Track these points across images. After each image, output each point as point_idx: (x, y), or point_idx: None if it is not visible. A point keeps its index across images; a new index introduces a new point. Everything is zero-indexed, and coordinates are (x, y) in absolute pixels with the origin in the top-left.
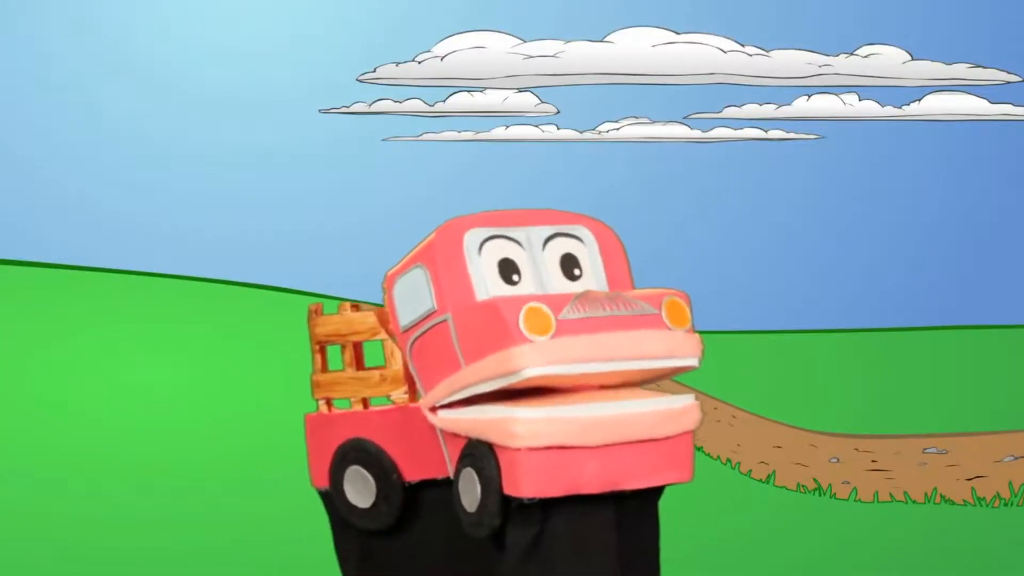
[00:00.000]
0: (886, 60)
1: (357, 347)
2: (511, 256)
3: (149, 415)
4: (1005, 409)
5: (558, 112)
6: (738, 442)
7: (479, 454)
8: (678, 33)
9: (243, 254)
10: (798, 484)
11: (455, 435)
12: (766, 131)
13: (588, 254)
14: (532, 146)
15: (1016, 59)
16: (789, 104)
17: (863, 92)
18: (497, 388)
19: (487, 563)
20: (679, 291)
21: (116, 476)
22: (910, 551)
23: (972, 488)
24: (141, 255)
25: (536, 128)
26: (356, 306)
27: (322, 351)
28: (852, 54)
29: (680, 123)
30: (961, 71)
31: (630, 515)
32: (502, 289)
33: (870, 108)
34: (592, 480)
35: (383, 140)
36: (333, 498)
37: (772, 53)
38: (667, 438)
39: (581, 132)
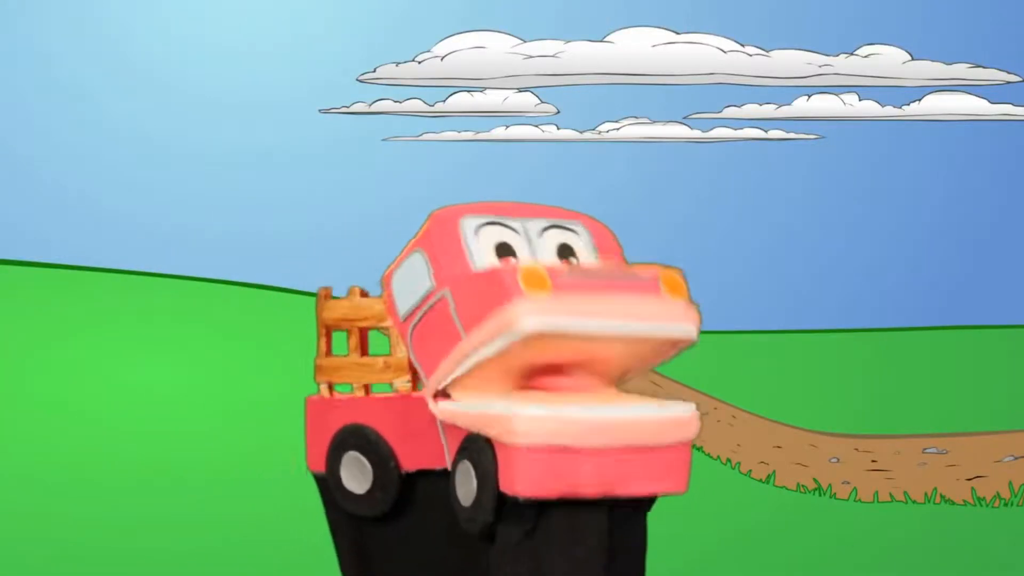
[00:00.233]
0: (886, 60)
1: (363, 333)
2: (508, 241)
3: (149, 415)
4: (1005, 409)
5: (558, 112)
6: (738, 442)
7: (477, 448)
8: (678, 33)
9: (243, 254)
10: (798, 484)
11: (455, 427)
12: (766, 131)
13: (584, 246)
14: (532, 146)
15: (1016, 59)
16: (789, 104)
17: (863, 92)
18: (498, 350)
19: (479, 556)
20: (675, 267)
21: (116, 476)
22: (910, 551)
23: (972, 488)
24: (141, 255)
25: (536, 128)
26: (365, 293)
27: (328, 335)
28: (852, 54)
29: (680, 123)
30: (961, 71)
31: (621, 522)
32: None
33: (870, 108)
34: (588, 484)
35: (383, 140)
36: (328, 483)
37: (772, 53)
38: (665, 447)
39: (581, 132)
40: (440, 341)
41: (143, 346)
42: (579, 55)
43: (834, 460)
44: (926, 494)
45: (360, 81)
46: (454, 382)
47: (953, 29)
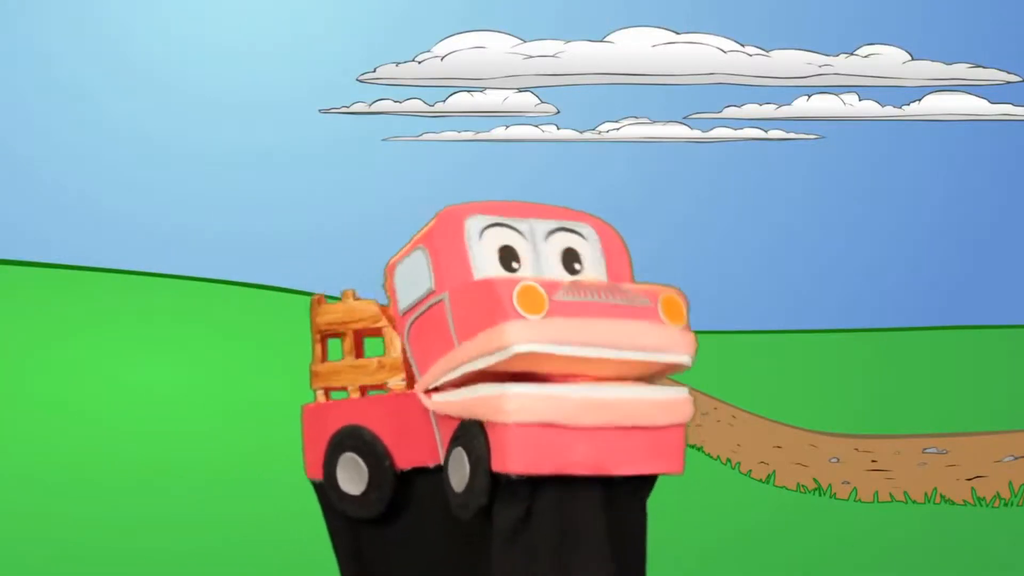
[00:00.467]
0: (886, 60)
1: (358, 337)
2: (512, 244)
3: (149, 415)
4: (1005, 409)
5: (558, 112)
6: (738, 442)
7: (470, 434)
8: (678, 33)
9: (243, 254)
10: (798, 484)
11: (448, 419)
12: (766, 131)
13: (590, 250)
14: (532, 146)
15: (1016, 59)
16: (789, 104)
17: (863, 92)
18: (488, 365)
19: (476, 554)
20: (676, 289)
21: (116, 476)
22: (910, 551)
23: (972, 488)
24: (141, 255)
25: (536, 128)
26: (358, 297)
27: (323, 341)
28: (852, 54)
29: (680, 123)
30: (961, 71)
31: (618, 502)
32: (500, 274)
33: (870, 108)
34: (581, 462)
35: (383, 140)
36: (326, 489)
37: (772, 53)
38: (658, 427)
39: (581, 132)
40: (435, 343)
41: (143, 346)
42: (579, 55)
43: (834, 460)
44: (926, 494)
45: (360, 81)
46: (445, 384)
47: (953, 29)
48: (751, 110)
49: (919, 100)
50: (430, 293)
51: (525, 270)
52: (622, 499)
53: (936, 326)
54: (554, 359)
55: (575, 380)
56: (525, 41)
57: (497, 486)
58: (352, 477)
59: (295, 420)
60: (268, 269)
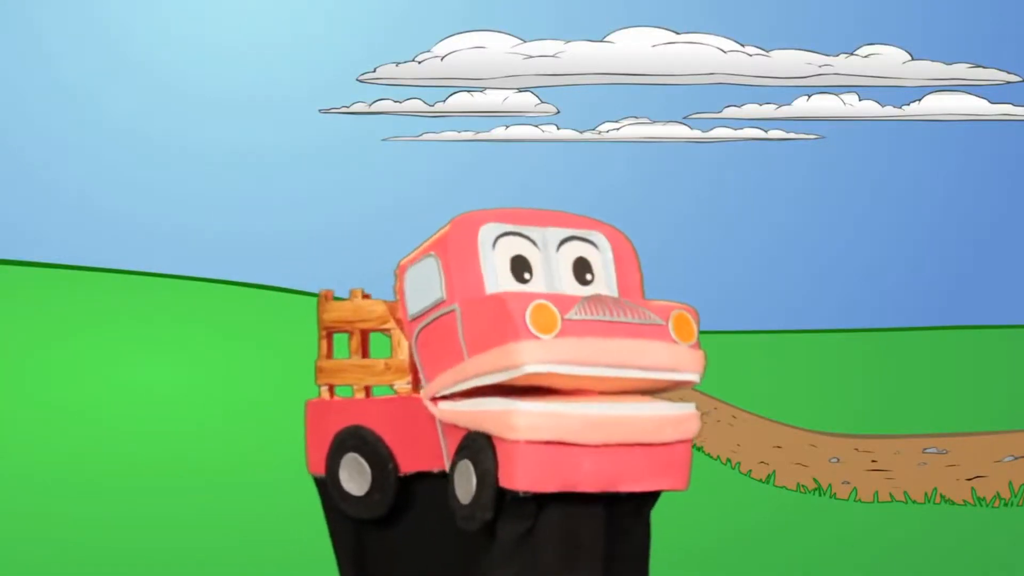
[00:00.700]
0: (886, 60)
1: (364, 335)
2: (525, 254)
3: (149, 415)
4: (1005, 409)
5: (558, 112)
6: (738, 442)
7: (477, 447)
8: (678, 33)
9: (243, 254)
10: (798, 484)
11: (454, 427)
12: (766, 131)
13: (602, 260)
14: (532, 146)
15: (1016, 59)
16: (789, 104)
17: (863, 92)
18: (497, 382)
19: (476, 557)
20: (688, 306)
21: (116, 476)
22: (910, 551)
23: (972, 488)
24: (141, 255)
25: (536, 128)
26: (367, 296)
27: (329, 337)
28: (852, 54)
29: (680, 123)
30: (961, 71)
31: (622, 519)
32: (513, 286)
33: (870, 108)
34: (588, 479)
35: (383, 140)
36: (328, 485)
37: (772, 53)
38: (665, 444)
39: (581, 132)
40: (444, 352)
41: (143, 346)
42: (579, 55)
43: (834, 460)
44: (926, 494)
45: (360, 81)
46: (453, 394)
47: (953, 29)
48: (751, 110)
49: (919, 100)
50: (441, 302)
51: (537, 281)
52: (626, 515)
53: (936, 326)
54: (564, 378)
55: (582, 396)
56: (525, 41)
57: (503, 501)
58: (355, 478)
59: (295, 420)
60: (268, 269)
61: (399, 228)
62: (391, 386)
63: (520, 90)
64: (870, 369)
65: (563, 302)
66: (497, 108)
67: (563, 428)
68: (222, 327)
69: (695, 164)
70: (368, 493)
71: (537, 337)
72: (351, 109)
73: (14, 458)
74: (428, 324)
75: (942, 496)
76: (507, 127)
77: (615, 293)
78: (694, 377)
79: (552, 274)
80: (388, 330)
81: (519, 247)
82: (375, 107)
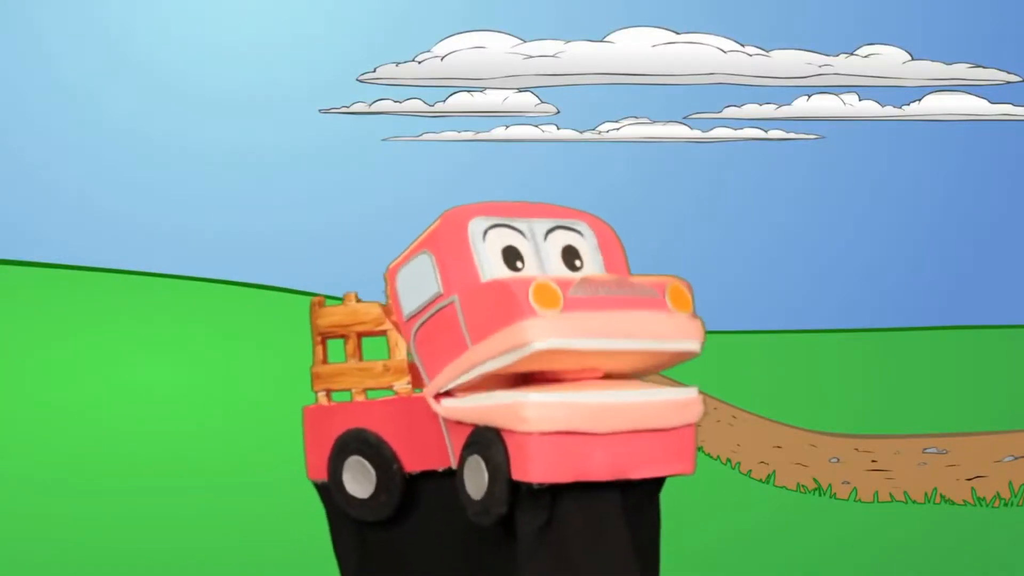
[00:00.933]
0: (886, 60)
1: (359, 339)
2: (515, 244)
3: (149, 415)
4: (1005, 409)
5: (558, 112)
6: (738, 442)
7: (486, 441)
8: (678, 33)
9: (243, 254)
10: (798, 484)
11: (460, 424)
12: (766, 131)
13: (588, 247)
14: (532, 146)
15: (1016, 59)
16: (789, 104)
17: (863, 92)
18: (505, 365)
19: (487, 554)
20: (679, 278)
21: (116, 476)
22: (910, 551)
23: (972, 488)
24: (141, 255)
25: (536, 128)
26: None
27: (323, 343)
28: (852, 54)
29: (680, 123)
30: (961, 71)
31: (635, 504)
32: (506, 274)
33: (870, 108)
34: (600, 467)
35: (383, 140)
36: (331, 490)
37: (772, 53)
38: (672, 429)
39: (581, 132)
40: (445, 346)
41: (143, 346)
42: (579, 55)
43: (834, 460)
44: (926, 494)
45: (360, 81)
46: (458, 387)
47: (953, 29)
48: (751, 110)
49: (919, 100)
50: (438, 297)
51: (530, 269)
52: (638, 500)
53: (936, 326)
54: (571, 354)
55: (588, 380)
56: (525, 41)
57: (518, 494)
58: (359, 481)
59: (295, 420)
60: (268, 269)
61: (399, 228)
62: (391, 387)
63: (520, 90)
64: (870, 369)
65: (562, 283)
66: (497, 108)
67: (574, 417)
68: (222, 327)
69: (695, 164)
70: (373, 495)
71: (542, 315)
72: (351, 109)
73: (14, 458)
74: (426, 320)
75: (942, 496)
76: (507, 127)
77: None
78: (695, 346)
79: (543, 262)
80: (384, 331)
81: (509, 238)
82: (375, 107)
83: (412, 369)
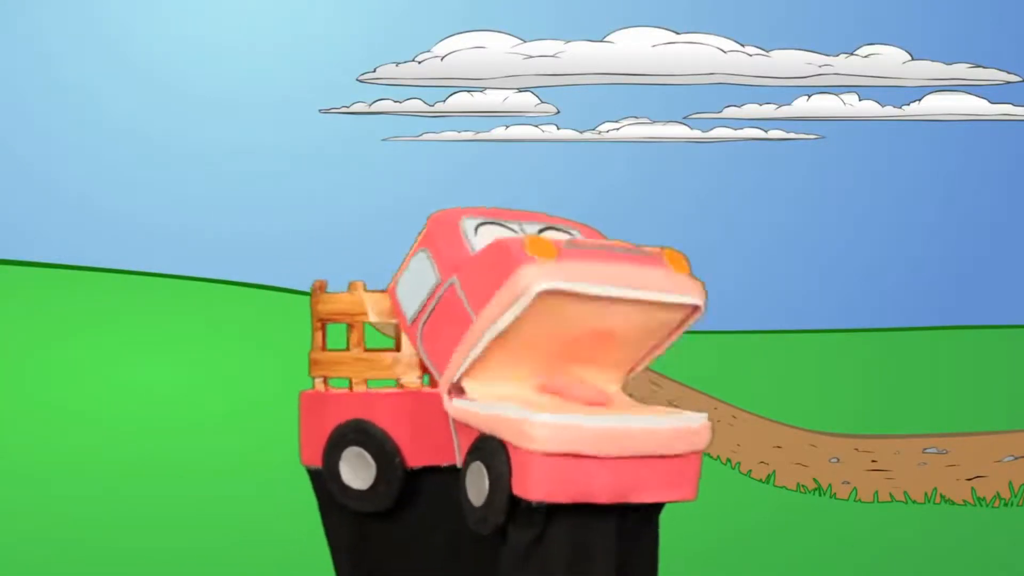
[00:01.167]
0: (886, 60)
1: (363, 328)
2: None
3: (149, 415)
4: (1005, 409)
5: (558, 112)
6: (738, 442)
7: (491, 450)
8: (678, 33)
9: (243, 254)
10: (798, 484)
11: (467, 426)
12: (766, 131)
13: None
14: (532, 146)
15: (1016, 59)
16: (789, 104)
17: (863, 92)
18: (510, 322)
19: (485, 554)
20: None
21: (116, 476)
22: (910, 551)
23: (972, 488)
24: (141, 255)
25: (536, 128)
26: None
27: (323, 328)
28: (852, 54)
29: (680, 123)
30: (961, 71)
31: (631, 527)
32: None
33: (870, 108)
34: (601, 491)
35: (383, 140)
36: (325, 478)
37: (772, 53)
38: (678, 456)
39: (581, 132)
40: (451, 329)
41: (143, 346)
42: (579, 55)
43: (834, 460)
44: (926, 494)
45: (360, 81)
46: (468, 370)
47: (953, 29)
48: (751, 110)
49: (919, 100)
50: (437, 285)
51: None
52: (635, 523)
53: (936, 326)
54: (576, 305)
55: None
56: (525, 41)
57: (515, 508)
58: (358, 472)
59: (295, 420)
60: (268, 269)
61: (399, 228)
62: (398, 380)
63: (520, 90)
64: (870, 369)
65: (556, 241)
66: (497, 108)
67: (579, 440)
68: (222, 327)
69: (695, 164)
70: (372, 486)
71: (539, 262)
72: (351, 109)
73: (14, 458)
74: (430, 314)
75: (942, 496)
76: (507, 127)
77: None
78: (699, 301)
79: None
80: (393, 324)
81: (500, 233)
82: (375, 107)
83: (422, 364)
